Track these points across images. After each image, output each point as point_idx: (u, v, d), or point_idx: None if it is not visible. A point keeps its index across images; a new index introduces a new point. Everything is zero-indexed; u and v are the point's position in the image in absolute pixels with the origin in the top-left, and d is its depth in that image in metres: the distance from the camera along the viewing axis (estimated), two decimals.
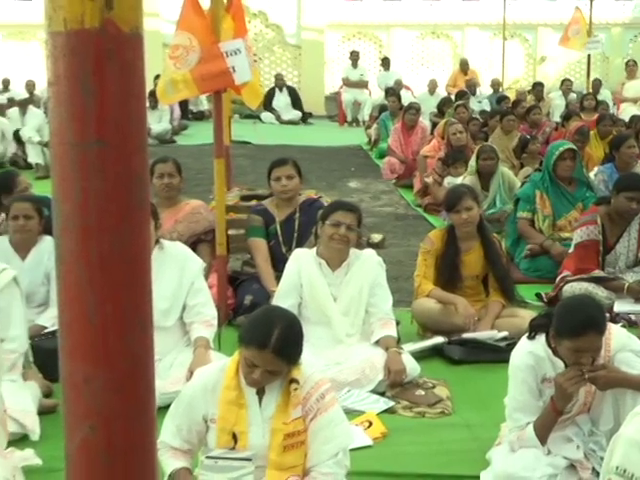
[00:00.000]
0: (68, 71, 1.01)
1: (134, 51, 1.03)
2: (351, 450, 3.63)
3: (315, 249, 5.42)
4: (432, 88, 17.96)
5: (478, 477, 3.98)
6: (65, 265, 1.05)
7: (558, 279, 6.60)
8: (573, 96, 17.66)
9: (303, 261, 5.38)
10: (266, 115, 19.79)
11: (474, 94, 17.31)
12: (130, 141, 1.03)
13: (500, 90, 18.87)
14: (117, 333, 1.04)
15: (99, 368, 1.04)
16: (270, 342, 3.27)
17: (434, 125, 12.85)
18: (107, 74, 1.01)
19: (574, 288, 6.22)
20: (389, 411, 4.88)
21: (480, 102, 16.96)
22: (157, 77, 13.64)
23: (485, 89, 19.44)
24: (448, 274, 5.94)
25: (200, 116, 19.59)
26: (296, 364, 3.40)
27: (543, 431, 3.83)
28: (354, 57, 20.77)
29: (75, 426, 1.06)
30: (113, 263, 1.03)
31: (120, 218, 1.03)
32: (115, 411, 1.05)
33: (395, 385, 5.11)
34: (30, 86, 17.69)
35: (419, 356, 5.47)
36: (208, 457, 3.32)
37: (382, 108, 15.49)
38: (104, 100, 1.01)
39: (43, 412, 4.65)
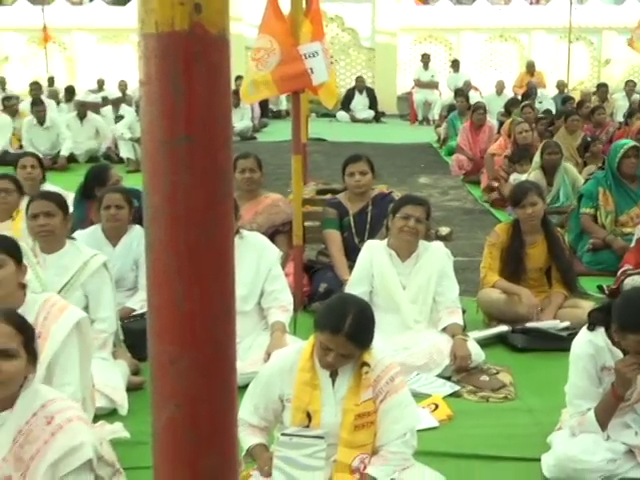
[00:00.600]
0: (159, 71, 1.01)
1: (220, 52, 1.02)
2: (418, 431, 3.62)
3: (386, 240, 5.42)
4: (499, 89, 17.74)
5: (539, 460, 3.94)
6: (154, 253, 1.06)
7: (619, 272, 6.50)
8: (636, 97, 17.29)
9: (375, 252, 5.37)
10: (341, 114, 19.86)
11: (535, 95, 17.06)
12: (216, 137, 1.03)
13: (565, 91, 18.58)
14: (202, 317, 1.05)
15: (185, 350, 1.05)
16: (344, 327, 3.26)
17: (501, 124, 12.71)
18: (195, 74, 1.01)
19: (635, 281, 6.12)
20: (454, 395, 4.86)
21: (541, 102, 16.68)
22: (238, 78, 13.75)
23: (551, 90, 19.16)
24: (513, 266, 5.89)
25: (279, 115, 19.71)
26: (368, 348, 3.39)
27: (604, 417, 3.76)
28: (425, 59, 20.70)
29: (162, 404, 1.07)
30: (199, 251, 1.04)
31: (206, 209, 1.03)
32: (199, 391, 1.06)
33: (461, 370, 5.09)
34: (123, 86, 18.00)
35: (484, 343, 5.43)
36: (283, 434, 3.34)
37: (451, 108, 15.38)
38: (192, 99, 1.01)
39: (131, 389, 4.72)
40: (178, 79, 1.00)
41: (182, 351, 1.05)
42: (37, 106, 13.59)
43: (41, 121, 13.29)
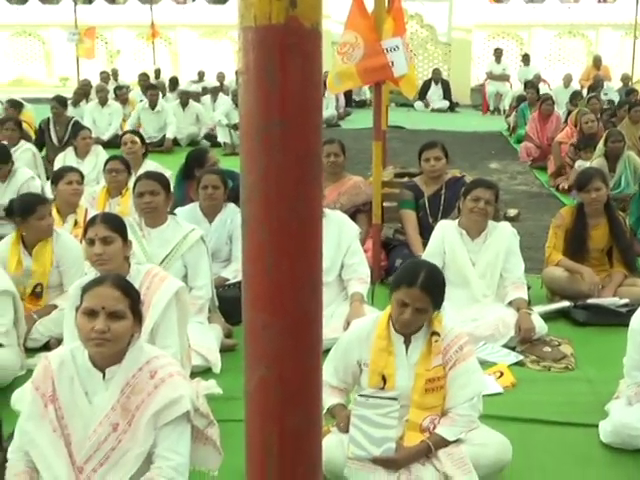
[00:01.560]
0: (256, 62, 1.01)
1: (313, 45, 1.02)
2: (484, 396, 3.58)
3: (457, 220, 5.38)
4: (567, 82, 17.35)
5: (596, 426, 3.90)
6: (249, 228, 1.06)
7: None
8: None
9: (447, 230, 5.34)
10: (419, 104, 19.70)
11: (601, 87, 16.64)
12: (307, 123, 1.03)
13: (629, 84, 18.08)
14: (291, 288, 1.05)
15: (275, 317, 1.05)
16: (418, 280, 3.27)
17: (568, 114, 12.45)
18: (290, 65, 1.00)
19: None
20: (518, 364, 4.82)
21: (606, 94, 16.26)
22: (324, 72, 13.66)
23: (615, 83, 18.68)
24: (576, 246, 5.79)
25: (362, 104, 19.62)
26: (439, 307, 3.37)
27: None
28: (498, 54, 20.41)
29: (254, 366, 1.08)
30: (290, 228, 1.03)
31: (297, 189, 1.03)
32: (288, 355, 1.06)
33: (525, 341, 5.03)
34: (221, 77, 18.14)
35: (547, 317, 5.36)
36: (361, 395, 3.34)
37: (521, 99, 15.08)
38: (286, 87, 1.00)
39: (224, 350, 4.78)
40: (274, 69, 1.00)
41: (273, 318, 1.05)
42: (151, 90, 13.81)
43: (153, 105, 13.45)
